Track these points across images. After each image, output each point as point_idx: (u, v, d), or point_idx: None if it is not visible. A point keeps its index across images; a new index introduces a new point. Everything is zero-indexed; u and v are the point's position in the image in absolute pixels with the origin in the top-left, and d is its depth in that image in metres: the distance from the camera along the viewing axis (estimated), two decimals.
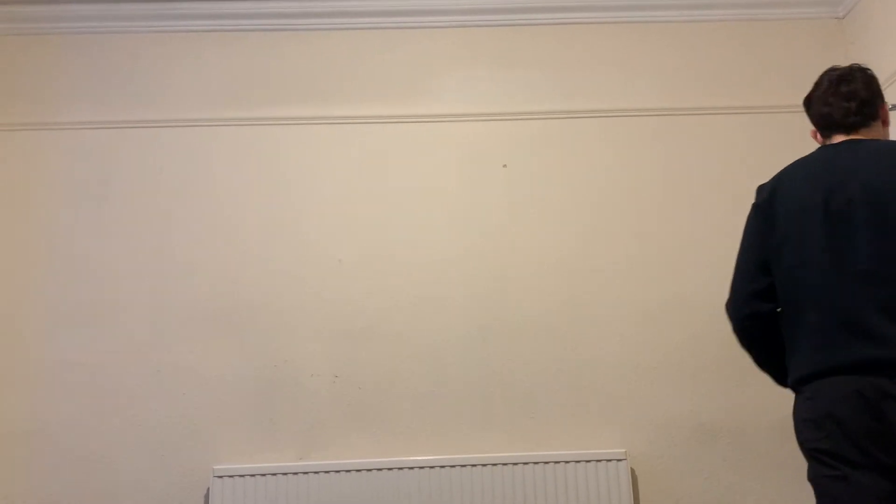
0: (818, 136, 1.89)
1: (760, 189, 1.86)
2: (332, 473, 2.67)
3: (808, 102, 1.90)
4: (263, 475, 2.66)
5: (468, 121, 3.07)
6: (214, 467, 2.68)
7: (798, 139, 2.92)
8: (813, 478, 1.64)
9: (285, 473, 2.67)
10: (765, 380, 2.85)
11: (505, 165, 3.03)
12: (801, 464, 2.79)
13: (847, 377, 1.55)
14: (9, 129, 3.00)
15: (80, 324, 2.87)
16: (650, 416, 2.82)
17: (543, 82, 3.09)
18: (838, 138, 1.80)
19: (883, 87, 1.88)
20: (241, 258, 2.93)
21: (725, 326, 2.91)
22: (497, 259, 2.94)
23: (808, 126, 1.95)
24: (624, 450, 2.72)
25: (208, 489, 2.69)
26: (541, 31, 3.12)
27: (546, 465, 2.68)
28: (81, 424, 2.79)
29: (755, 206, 1.84)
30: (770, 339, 1.80)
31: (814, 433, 1.62)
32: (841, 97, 1.79)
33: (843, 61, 1.95)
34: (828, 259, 1.64)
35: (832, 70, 1.86)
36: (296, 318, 2.88)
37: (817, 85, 1.87)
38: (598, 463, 2.69)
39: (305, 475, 2.67)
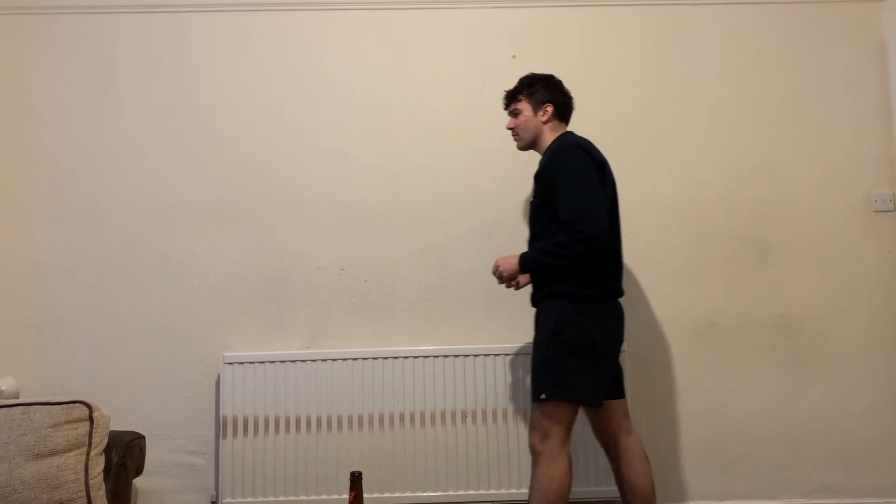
0: (552, 114, 2.39)
1: (594, 148, 2.32)
2: (338, 361, 2.74)
3: (558, 85, 2.44)
4: (272, 362, 2.73)
5: (475, 7, 2.97)
6: (224, 354, 2.75)
7: (831, 34, 2.84)
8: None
9: (293, 361, 2.74)
10: (765, 278, 2.91)
11: (514, 56, 2.95)
12: (794, 358, 2.89)
13: (616, 300, 2.34)
14: (7, 14, 2.92)
15: (87, 217, 2.88)
16: (650, 311, 2.87)
17: None
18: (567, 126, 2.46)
19: None
20: (247, 150, 2.91)
21: (728, 224, 2.94)
22: (503, 154, 2.91)
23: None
24: (623, 343, 2.78)
25: (219, 375, 2.78)
26: None
27: None
28: (92, 313, 2.85)
29: (595, 162, 2.27)
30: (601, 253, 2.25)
31: (599, 333, 2.24)
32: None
33: None
34: (609, 222, 2.23)
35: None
36: (302, 211, 2.89)
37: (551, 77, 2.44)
38: None
39: (312, 362, 2.74)
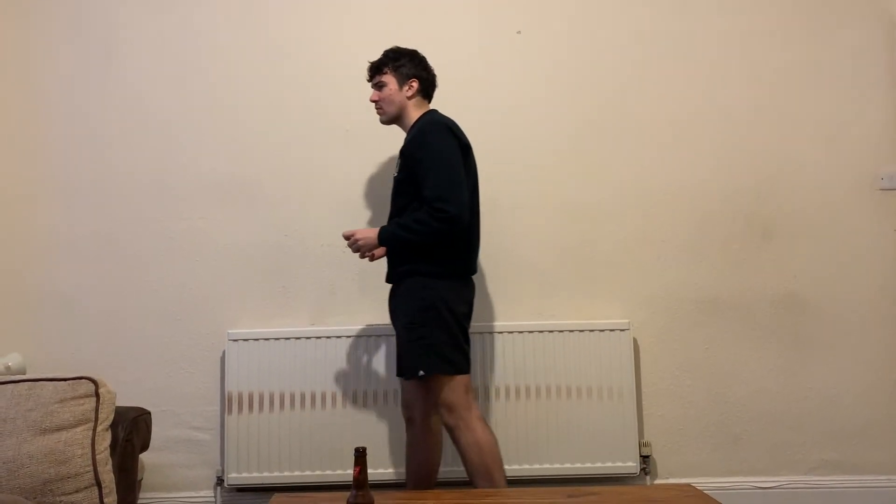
0: (417, 90, 2.41)
1: (459, 130, 2.35)
2: (342, 338, 2.75)
3: (423, 61, 2.46)
4: (277, 339, 2.74)
5: None
6: (229, 331, 2.76)
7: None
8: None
9: (297, 338, 2.75)
10: (769, 256, 2.90)
11: (519, 32, 2.92)
12: (797, 336, 2.89)
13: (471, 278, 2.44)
14: None
15: (91, 193, 2.88)
16: (655, 289, 2.87)
17: None
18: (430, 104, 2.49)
19: None
20: (252, 126, 2.90)
21: (732, 202, 2.93)
22: (507, 131, 2.90)
23: None
24: (627, 320, 2.79)
25: (224, 352, 2.79)
26: None
27: (551, 333, 2.75)
28: (98, 290, 2.86)
29: (460, 143, 2.32)
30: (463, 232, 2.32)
31: (464, 307, 2.37)
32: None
33: None
34: (470, 199, 2.30)
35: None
36: (304, 188, 2.89)
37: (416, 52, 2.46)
38: (602, 332, 2.76)
39: (317, 339, 2.75)
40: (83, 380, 1.87)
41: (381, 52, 2.46)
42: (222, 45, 2.92)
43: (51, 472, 1.73)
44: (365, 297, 2.85)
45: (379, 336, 2.76)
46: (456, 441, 2.27)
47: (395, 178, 2.42)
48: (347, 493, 1.67)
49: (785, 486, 2.81)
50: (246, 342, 2.74)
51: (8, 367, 2.71)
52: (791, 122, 2.92)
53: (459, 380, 2.27)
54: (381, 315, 2.83)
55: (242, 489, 2.75)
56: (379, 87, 2.44)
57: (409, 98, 2.42)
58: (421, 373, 2.25)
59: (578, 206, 2.89)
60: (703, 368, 2.86)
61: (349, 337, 2.76)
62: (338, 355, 2.75)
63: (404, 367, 2.31)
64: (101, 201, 2.88)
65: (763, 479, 2.82)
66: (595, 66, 2.92)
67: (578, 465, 2.71)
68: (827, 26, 2.94)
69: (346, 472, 2.66)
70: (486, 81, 2.91)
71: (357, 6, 2.93)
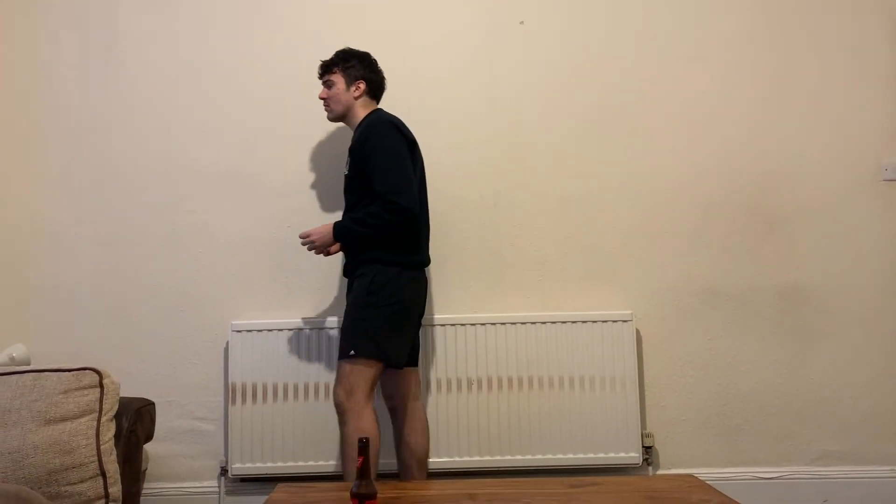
0: (364, 91, 2.50)
1: (405, 126, 2.44)
2: None
3: (373, 64, 2.55)
4: (280, 330, 2.75)
5: None
6: (232, 322, 2.76)
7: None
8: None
9: (300, 328, 2.75)
10: (772, 248, 2.89)
11: (522, 22, 2.91)
12: (800, 328, 2.88)
13: (423, 269, 2.48)
14: None
15: (94, 184, 2.89)
16: (658, 280, 2.87)
17: None
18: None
19: None
20: (256, 117, 2.90)
21: (735, 194, 2.93)
22: (511, 123, 2.89)
23: None
24: (630, 311, 2.79)
25: (227, 343, 2.80)
26: None
27: (555, 324, 2.75)
28: (101, 282, 2.86)
29: (406, 140, 2.39)
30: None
31: (415, 297, 2.41)
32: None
33: None
34: (418, 193, 2.37)
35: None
36: (307, 181, 2.88)
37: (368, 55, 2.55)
38: (605, 324, 2.76)
39: (320, 330, 2.76)
40: (87, 370, 1.88)
41: (334, 53, 2.54)
42: (225, 39, 2.92)
43: (56, 463, 1.74)
44: None
45: None
46: (341, 424, 2.28)
47: (345, 175, 2.49)
48: (351, 483, 1.68)
49: (787, 477, 2.81)
50: (249, 333, 2.75)
51: (13, 358, 2.72)
52: (794, 114, 2.90)
53: (377, 369, 2.31)
54: None
55: (246, 479, 2.76)
56: (328, 85, 2.52)
57: (356, 98, 2.51)
58: (352, 353, 2.28)
59: (582, 198, 2.89)
60: (705, 359, 2.86)
61: None
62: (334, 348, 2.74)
63: (341, 347, 2.34)
64: (105, 194, 2.89)
65: (765, 469, 2.82)
66: (598, 57, 2.91)
67: (581, 455, 2.72)
68: (830, 19, 2.92)
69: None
70: (489, 73, 2.89)
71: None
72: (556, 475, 2.64)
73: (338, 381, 2.31)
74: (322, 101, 2.56)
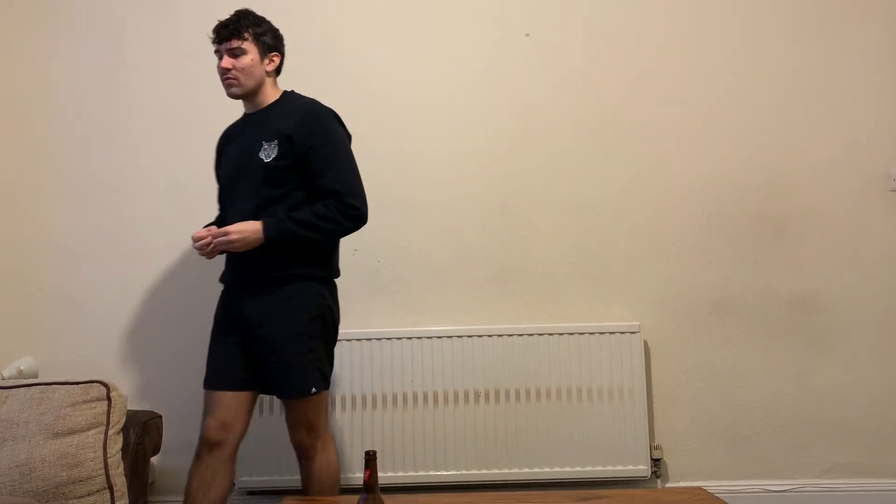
0: (276, 67, 2.22)
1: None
2: (352, 342, 2.75)
3: (282, 37, 2.24)
4: None
5: None
6: None
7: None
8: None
9: None
10: (780, 256, 2.88)
11: (527, 35, 2.92)
12: (810, 338, 2.86)
13: None
14: None
15: (102, 196, 2.90)
16: (666, 290, 2.86)
17: None
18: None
19: None
20: None
21: (744, 201, 2.92)
22: (518, 132, 2.90)
23: None
24: (638, 322, 2.78)
25: None
26: None
27: (562, 336, 2.74)
28: (109, 293, 2.87)
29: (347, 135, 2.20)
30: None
31: (338, 314, 2.21)
32: None
33: None
34: None
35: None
36: None
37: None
38: (613, 335, 2.75)
39: None
40: (95, 383, 1.88)
41: (235, 13, 2.16)
42: None
43: (63, 476, 1.74)
44: (374, 301, 2.85)
45: (390, 339, 2.75)
46: (309, 459, 2.11)
47: (266, 163, 2.09)
48: (358, 497, 1.67)
49: (797, 490, 2.79)
50: None
51: (20, 371, 2.72)
52: (803, 121, 2.90)
53: (326, 397, 2.14)
54: (390, 319, 2.84)
55: (253, 492, 2.75)
56: (235, 53, 2.12)
57: (268, 74, 2.18)
58: (313, 390, 2.05)
59: (588, 207, 2.89)
60: (714, 370, 2.84)
61: (358, 340, 2.75)
62: (346, 358, 2.74)
63: (294, 386, 2.05)
64: (113, 204, 2.90)
65: (775, 482, 2.80)
66: (605, 64, 2.91)
67: (589, 468, 2.70)
68: (839, 24, 2.92)
69: (357, 476, 2.66)
70: (495, 83, 2.90)
71: (361, 7, 2.93)
72: (563, 488, 2.63)
73: (297, 421, 2.08)
74: (221, 74, 2.13)
